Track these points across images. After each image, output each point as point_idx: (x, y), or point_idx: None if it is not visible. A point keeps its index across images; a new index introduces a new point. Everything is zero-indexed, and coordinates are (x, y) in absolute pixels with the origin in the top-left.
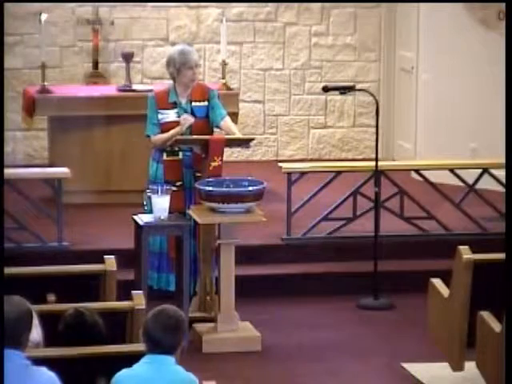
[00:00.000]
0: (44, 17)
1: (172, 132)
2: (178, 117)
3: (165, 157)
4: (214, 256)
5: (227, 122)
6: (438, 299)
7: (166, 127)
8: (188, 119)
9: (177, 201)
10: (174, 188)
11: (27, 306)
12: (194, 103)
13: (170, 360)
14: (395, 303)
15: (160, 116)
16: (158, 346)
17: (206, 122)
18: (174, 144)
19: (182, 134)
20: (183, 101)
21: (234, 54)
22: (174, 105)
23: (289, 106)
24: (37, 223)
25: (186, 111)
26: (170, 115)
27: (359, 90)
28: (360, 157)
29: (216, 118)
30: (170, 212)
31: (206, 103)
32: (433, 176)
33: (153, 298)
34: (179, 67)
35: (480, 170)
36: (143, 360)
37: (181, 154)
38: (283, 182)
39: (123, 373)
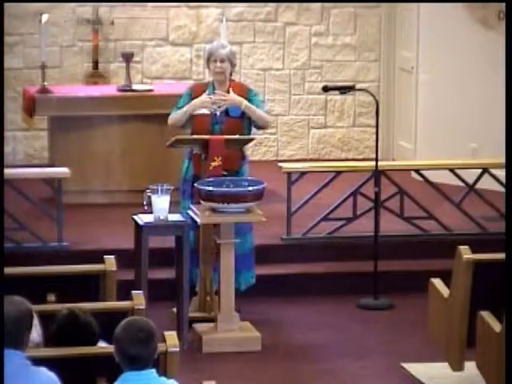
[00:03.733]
0: (44, 17)
1: (187, 107)
2: (210, 111)
3: (195, 151)
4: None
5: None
6: (438, 299)
7: (197, 120)
8: (212, 107)
9: None
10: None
11: (27, 305)
12: None
13: (151, 374)
14: (395, 303)
15: None
16: (135, 362)
17: (241, 122)
18: (175, 144)
19: (208, 129)
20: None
21: None
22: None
23: (289, 106)
24: (37, 223)
25: (219, 107)
26: (201, 108)
27: (359, 89)
28: (360, 157)
29: (257, 121)
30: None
31: None
32: (433, 176)
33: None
34: (207, 60)
35: (480, 170)
36: (124, 380)
37: None
38: (283, 182)
39: None
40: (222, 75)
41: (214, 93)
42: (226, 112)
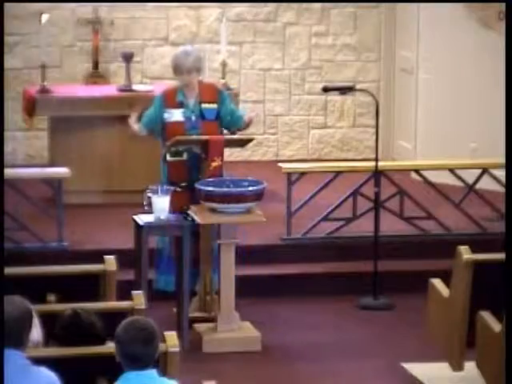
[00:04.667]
0: (44, 17)
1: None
2: (184, 117)
3: (168, 157)
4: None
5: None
6: (437, 299)
7: (170, 127)
8: None
9: (180, 202)
10: (179, 189)
11: (27, 305)
12: (203, 105)
13: (152, 374)
14: (395, 303)
15: (166, 115)
16: (136, 362)
17: (216, 124)
18: (174, 144)
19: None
20: (191, 101)
21: (233, 54)
22: (181, 104)
23: (289, 106)
24: (37, 223)
25: (193, 112)
26: (174, 114)
27: (359, 90)
28: (360, 157)
29: (238, 122)
30: (172, 213)
31: (215, 105)
32: (433, 176)
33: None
34: (173, 71)
35: (480, 170)
36: (125, 379)
37: (185, 154)
38: (283, 182)
39: None
40: (190, 86)
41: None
42: (202, 116)
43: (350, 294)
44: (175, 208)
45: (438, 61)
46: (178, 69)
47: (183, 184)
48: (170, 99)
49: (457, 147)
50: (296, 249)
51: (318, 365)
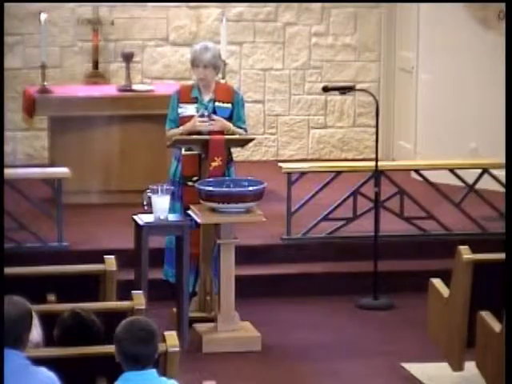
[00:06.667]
0: (44, 17)
1: (182, 128)
2: (197, 112)
3: (183, 151)
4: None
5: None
6: (438, 299)
7: (183, 121)
8: (205, 126)
9: (191, 196)
10: (190, 183)
11: (27, 305)
12: (217, 103)
13: (152, 374)
14: (395, 303)
15: (180, 110)
16: (136, 361)
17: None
18: (174, 144)
19: (199, 133)
20: (206, 98)
21: (233, 54)
22: (196, 100)
23: (289, 106)
24: (37, 223)
25: (206, 108)
26: (188, 109)
27: (359, 90)
28: (360, 157)
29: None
30: (185, 208)
31: (229, 105)
32: (433, 176)
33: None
34: (191, 64)
35: (480, 170)
36: (125, 379)
37: (196, 148)
38: (283, 181)
39: None
40: (205, 81)
41: (204, 114)
42: (214, 113)
43: (350, 293)
44: (187, 203)
45: (438, 61)
46: (194, 62)
47: (195, 178)
48: (185, 95)
49: (457, 147)
50: (296, 249)
51: (318, 365)
